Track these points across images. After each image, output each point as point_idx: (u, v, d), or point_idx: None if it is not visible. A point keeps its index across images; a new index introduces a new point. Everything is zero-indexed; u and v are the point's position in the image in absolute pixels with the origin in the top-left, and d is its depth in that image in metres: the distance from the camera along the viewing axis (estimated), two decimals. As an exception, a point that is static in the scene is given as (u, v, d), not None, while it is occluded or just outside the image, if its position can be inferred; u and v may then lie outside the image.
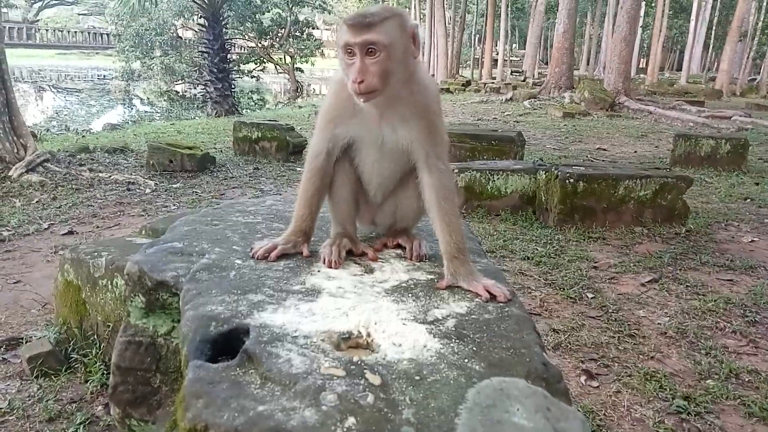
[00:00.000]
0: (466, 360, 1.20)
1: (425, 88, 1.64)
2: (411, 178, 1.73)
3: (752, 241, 5.00)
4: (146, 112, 22.52)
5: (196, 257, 1.70)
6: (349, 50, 1.50)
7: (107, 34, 44.55)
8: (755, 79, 33.31)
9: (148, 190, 6.30)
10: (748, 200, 6.42)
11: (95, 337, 2.84)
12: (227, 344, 1.24)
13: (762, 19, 32.13)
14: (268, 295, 1.45)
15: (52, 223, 5.06)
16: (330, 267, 1.67)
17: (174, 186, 6.56)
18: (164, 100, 25.18)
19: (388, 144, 1.66)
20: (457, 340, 1.29)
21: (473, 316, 1.42)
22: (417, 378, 1.12)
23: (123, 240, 3.28)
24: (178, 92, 26.13)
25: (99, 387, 2.60)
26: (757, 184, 7.23)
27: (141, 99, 26.98)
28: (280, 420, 0.98)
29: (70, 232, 4.84)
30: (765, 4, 31.21)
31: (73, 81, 35.37)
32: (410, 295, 1.52)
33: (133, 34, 24.57)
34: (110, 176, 6.76)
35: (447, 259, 1.62)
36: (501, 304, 1.50)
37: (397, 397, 1.06)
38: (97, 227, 5.01)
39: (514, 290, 1.62)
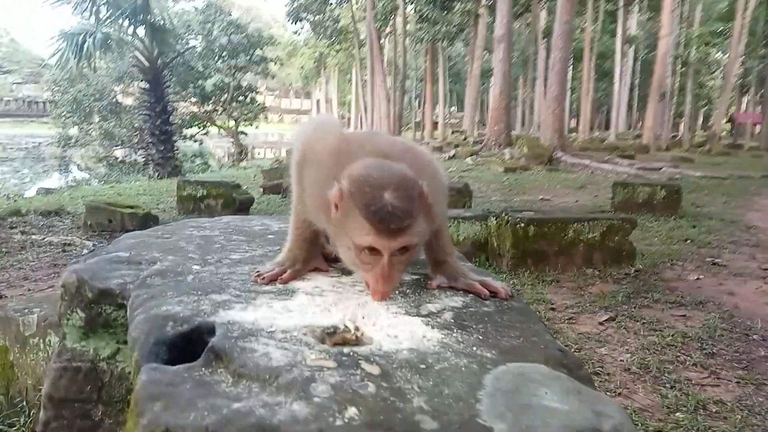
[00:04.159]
0: (474, 348, 1.08)
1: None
2: None
3: (698, 278, 5.13)
4: (84, 178, 21.76)
5: (146, 265, 1.49)
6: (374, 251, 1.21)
7: (43, 102, 43.53)
8: (676, 135, 35.81)
9: (85, 251, 5.96)
10: (689, 241, 6.66)
11: (24, 403, 2.57)
12: (188, 348, 1.05)
13: (678, 81, 34.93)
14: (234, 295, 1.27)
15: (-23, 288, 4.67)
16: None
17: (114, 246, 6.23)
18: (103, 166, 24.46)
19: None
20: (459, 330, 1.15)
21: (471, 309, 1.29)
22: (422, 366, 0.98)
23: (57, 296, 3.04)
24: (118, 157, 25.48)
25: (29, 459, 2.32)
26: (694, 226, 7.53)
27: (78, 165, 26.13)
28: (262, 416, 0.82)
29: (-1, 296, 4.47)
30: (678, 68, 33.98)
31: (5, 150, 33.99)
32: (397, 292, 1.36)
33: (70, 100, 24.05)
34: (44, 238, 6.38)
35: (433, 262, 1.48)
36: (498, 299, 1.38)
37: (403, 386, 0.92)
38: (29, 290, 4.65)
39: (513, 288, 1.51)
